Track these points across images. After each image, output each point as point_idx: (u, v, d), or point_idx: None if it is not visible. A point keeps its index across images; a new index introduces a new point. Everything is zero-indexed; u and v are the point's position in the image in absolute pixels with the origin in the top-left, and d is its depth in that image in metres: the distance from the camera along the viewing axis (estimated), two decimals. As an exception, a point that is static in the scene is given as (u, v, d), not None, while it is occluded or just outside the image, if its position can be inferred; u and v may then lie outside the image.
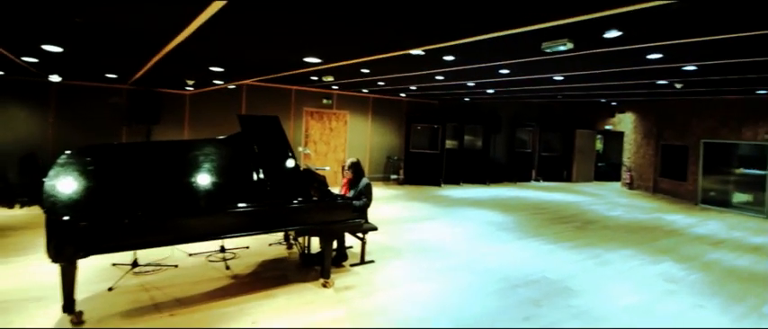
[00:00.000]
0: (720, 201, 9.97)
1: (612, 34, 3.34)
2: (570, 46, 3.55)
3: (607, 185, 13.86)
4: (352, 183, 4.95)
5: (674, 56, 4.25)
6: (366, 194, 4.75)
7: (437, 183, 11.81)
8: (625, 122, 13.24)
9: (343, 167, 5.01)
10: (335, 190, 5.04)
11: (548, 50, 3.76)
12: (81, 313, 3.22)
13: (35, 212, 6.70)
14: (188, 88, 8.54)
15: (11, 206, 6.95)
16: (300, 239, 4.99)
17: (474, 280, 4.44)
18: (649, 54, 4.15)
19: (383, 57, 4.34)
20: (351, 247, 5.12)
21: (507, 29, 2.99)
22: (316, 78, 7.57)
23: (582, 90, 7.92)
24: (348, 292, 3.99)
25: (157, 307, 3.49)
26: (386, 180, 11.82)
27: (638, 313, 3.83)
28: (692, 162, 10.58)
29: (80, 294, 3.32)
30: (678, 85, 6.41)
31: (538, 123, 14.15)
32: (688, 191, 10.70)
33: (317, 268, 4.34)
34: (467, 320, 3.52)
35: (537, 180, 14.12)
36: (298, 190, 4.07)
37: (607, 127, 14.09)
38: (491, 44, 3.74)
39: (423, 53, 3.99)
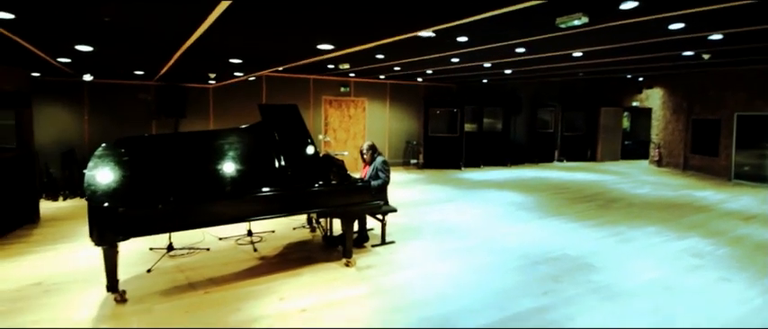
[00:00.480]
0: (755, 176, 9.56)
1: (629, 5, 3.27)
2: (585, 20, 3.49)
3: (634, 163, 13.47)
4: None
5: (698, 25, 4.10)
6: (382, 170, 4.84)
7: (457, 167, 11.80)
8: (653, 98, 12.76)
9: (361, 152, 5.10)
10: (356, 175, 5.16)
11: (562, 26, 3.70)
12: (124, 291, 3.49)
13: (77, 204, 7.17)
14: (211, 82, 8.82)
15: (55, 198, 7.45)
16: (323, 222, 5.17)
17: (494, 259, 4.50)
18: (671, 24, 4.02)
19: (395, 41, 4.38)
20: (372, 229, 5.26)
21: (517, 3, 2.97)
22: (332, 66, 7.66)
23: (603, 66, 7.70)
24: (370, 271, 4.15)
25: (193, 286, 3.74)
26: (405, 164, 11.90)
27: (659, 287, 3.81)
28: (725, 136, 10.15)
29: (121, 275, 3.59)
30: (706, 56, 6.15)
31: (560, 102, 13.83)
32: (721, 167, 10.29)
33: (340, 249, 4.50)
34: (486, 296, 3.61)
35: (560, 160, 13.87)
36: (318, 174, 4.22)
37: (634, 103, 13.61)
38: (503, 21, 3.72)
39: (433, 34, 4.01)
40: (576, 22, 3.57)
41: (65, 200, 7.46)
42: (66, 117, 8.30)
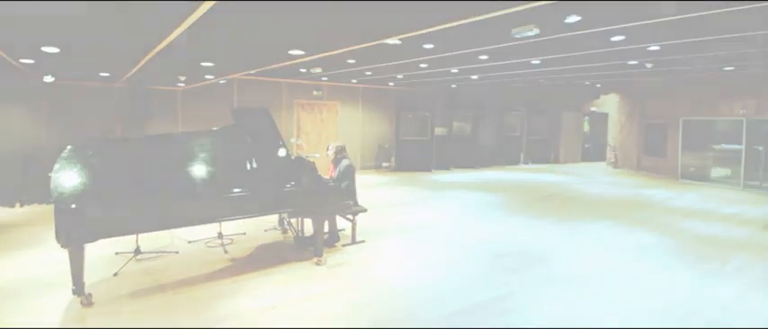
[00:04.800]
0: (700, 176, 10.38)
1: (573, 19, 3.61)
2: (537, 31, 3.82)
3: (594, 165, 14.26)
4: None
5: (636, 37, 4.53)
6: (347, 175, 4.98)
7: (428, 169, 12.11)
8: (610, 103, 13.58)
9: (328, 150, 5.26)
10: (326, 177, 5.30)
11: (518, 36, 4.03)
12: (90, 295, 3.48)
13: (35, 210, 6.92)
14: (180, 84, 8.71)
15: (11, 205, 7.14)
16: (294, 222, 5.27)
17: (459, 254, 4.75)
18: (612, 37, 4.43)
19: (364, 47, 4.57)
20: (343, 230, 5.40)
21: (475, 15, 3.22)
22: (304, 70, 7.77)
23: (561, 73, 8.20)
24: (340, 268, 4.29)
25: (162, 288, 3.76)
26: (378, 167, 12.10)
27: (606, 275, 4.16)
28: (672, 139, 10.96)
29: (87, 280, 3.54)
30: (649, 65, 6.71)
31: (525, 107, 14.46)
32: (669, 168, 11.10)
33: (311, 248, 4.62)
34: (450, 287, 3.83)
35: (525, 162, 14.47)
36: (289, 175, 4.33)
37: (592, 108, 14.43)
38: (465, 31, 3.98)
39: (399, 42, 4.24)
40: (530, 34, 3.90)
41: (22, 206, 7.17)
42: (24, 120, 7.97)
